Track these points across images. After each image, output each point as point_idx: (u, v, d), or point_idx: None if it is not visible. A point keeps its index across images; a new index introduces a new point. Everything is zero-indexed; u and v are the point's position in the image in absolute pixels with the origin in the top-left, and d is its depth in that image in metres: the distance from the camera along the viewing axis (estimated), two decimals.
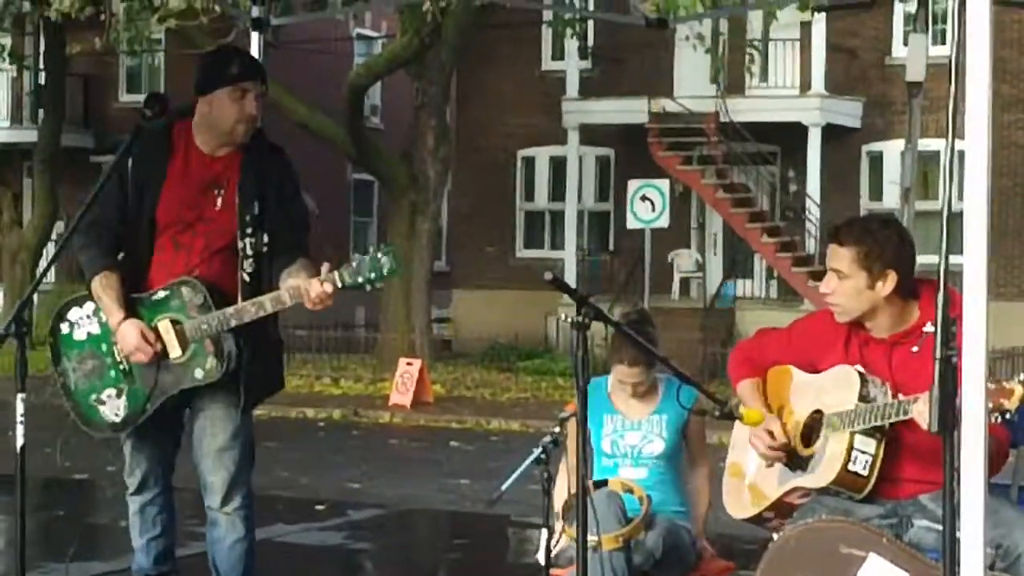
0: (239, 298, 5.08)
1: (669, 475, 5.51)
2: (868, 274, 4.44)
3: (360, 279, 4.87)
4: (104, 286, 5.16)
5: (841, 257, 4.48)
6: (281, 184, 5.21)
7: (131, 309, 5.14)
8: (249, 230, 5.10)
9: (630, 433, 5.50)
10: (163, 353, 5.11)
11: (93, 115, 29.86)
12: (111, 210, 5.16)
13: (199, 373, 5.10)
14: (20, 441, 4.70)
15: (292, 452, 13.64)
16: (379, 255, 4.87)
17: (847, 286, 4.48)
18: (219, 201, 5.15)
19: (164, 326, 5.12)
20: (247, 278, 5.08)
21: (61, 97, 27.02)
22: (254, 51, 6.71)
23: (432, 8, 18.36)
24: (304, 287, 4.92)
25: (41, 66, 28.49)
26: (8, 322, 4.74)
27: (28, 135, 28.69)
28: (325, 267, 4.94)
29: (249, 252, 5.10)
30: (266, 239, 5.12)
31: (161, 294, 5.13)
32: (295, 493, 10.74)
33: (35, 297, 5.14)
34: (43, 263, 23.53)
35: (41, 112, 28.29)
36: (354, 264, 4.88)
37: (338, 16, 25.95)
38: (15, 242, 26.62)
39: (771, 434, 4.57)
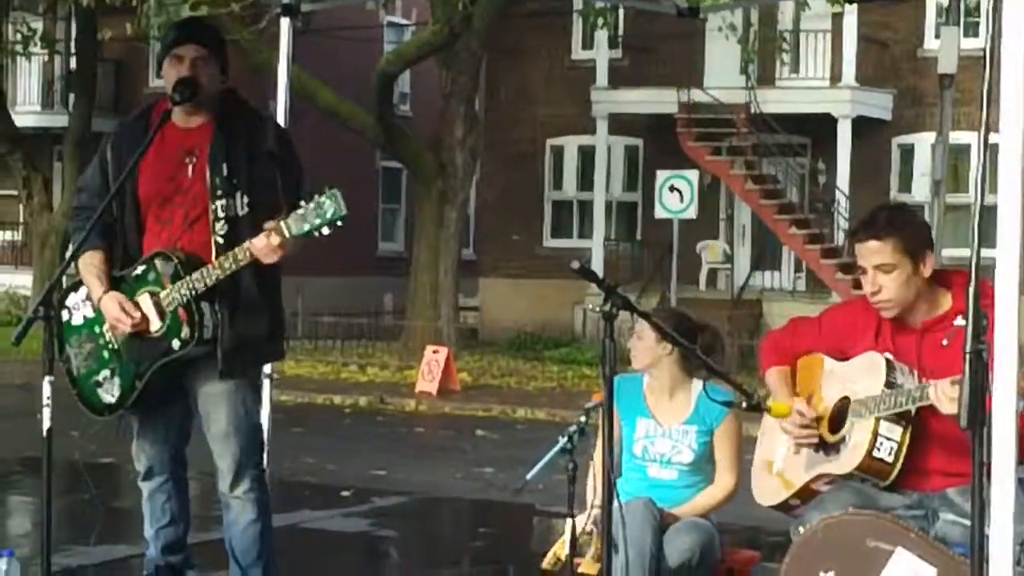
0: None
1: (699, 476, 5.49)
2: (912, 259, 4.44)
3: (306, 227, 4.85)
4: (87, 265, 5.23)
5: (883, 250, 4.44)
6: (253, 144, 5.16)
7: (115, 288, 5.17)
8: (219, 192, 5.08)
9: (661, 440, 5.48)
10: (147, 327, 5.12)
11: (124, 100, 29.93)
12: (95, 195, 5.22)
13: (176, 343, 5.10)
14: (47, 424, 4.72)
15: (318, 439, 13.67)
16: (323, 199, 4.83)
17: (896, 277, 4.44)
18: (190, 169, 5.15)
19: (143, 300, 5.13)
20: (220, 241, 5.05)
21: (92, 82, 27.09)
22: (283, 37, 6.71)
23: None
24: (252, 241, 4.93)
25: (72, 51, 28.58)
26: (36, 305, 4.77)
27: (59, 120, 28.79)
28: (272, 222, 4.92)
29: (220, 215, 5.07)
30: (245, 200, 5.08)
31: (139, 269, 5.16)
32: (321, 479, 10.76)
33: (64, 280, 5.15)
34: (72, 247, 23.58)
35: (72, 97, 28.37)
36: (299, 212, 4.86)
37: (368, 4, 25.95)
38: (45, 226, 26.71)
39: (800, 413, 4.55)
